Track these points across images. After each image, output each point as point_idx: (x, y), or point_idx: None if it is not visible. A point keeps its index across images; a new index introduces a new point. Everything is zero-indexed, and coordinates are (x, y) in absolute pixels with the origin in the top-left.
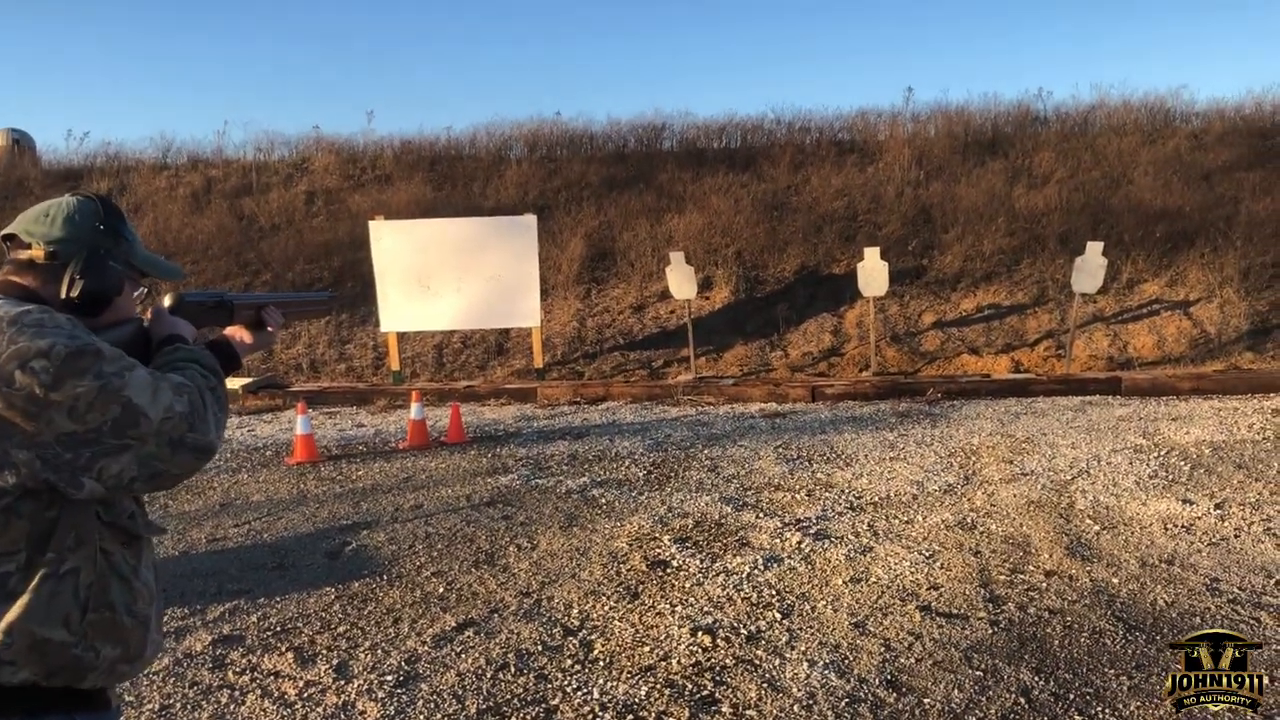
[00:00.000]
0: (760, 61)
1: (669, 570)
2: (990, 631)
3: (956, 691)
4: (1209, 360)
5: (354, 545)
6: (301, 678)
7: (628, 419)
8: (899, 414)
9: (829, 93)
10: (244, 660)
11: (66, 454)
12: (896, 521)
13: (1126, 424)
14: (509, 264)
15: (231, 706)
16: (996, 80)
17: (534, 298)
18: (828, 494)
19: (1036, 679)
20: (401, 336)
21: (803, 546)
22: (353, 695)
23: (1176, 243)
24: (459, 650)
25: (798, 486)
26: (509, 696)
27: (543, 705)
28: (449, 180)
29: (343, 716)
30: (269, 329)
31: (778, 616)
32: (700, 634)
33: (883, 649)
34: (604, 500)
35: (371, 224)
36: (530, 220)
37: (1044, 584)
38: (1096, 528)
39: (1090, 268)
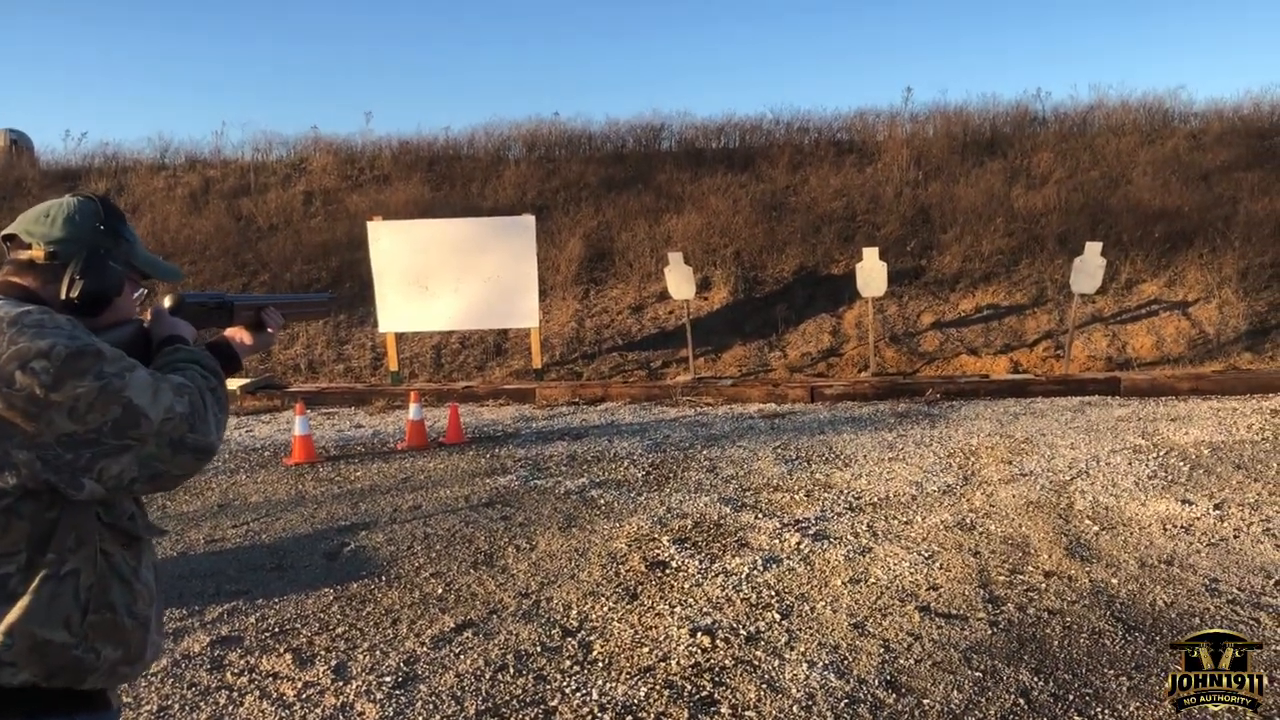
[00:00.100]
0: (759, 62)
1: (668, 571)
2: (989, 632)
3: (956, 692)
4: (1208, 361)
5: (352, 546)
6: (300, 679)
7: (626, 420)
8: (898, 414)
9: (827, 93)
10: (242, 661)
11: (67, 455)
12: (895, 522)
13: (1125, 424)
14: (507, 264)
15: (230, 708)
16: (995, 80)
17: (532, 298)
18: (827, 495)
19: (1036, 680)
20: (400, 337)
21: (802, 547)
22: (351, 696)
23: (1175, 243)
24: (458, 651)
25: (796, 487)
26: (508, 697)
27: (542, 706)
28: (447, 180)
29: (341, 717)
30: (269, 330)
31: (777, 617)
32: (699, 635)
33: (882, 650)
34: (603, 501)
35: (370, 224)
36: (528, 221)
37: (1043, 584)
38: (1096, 528)
39: (1089, 268)
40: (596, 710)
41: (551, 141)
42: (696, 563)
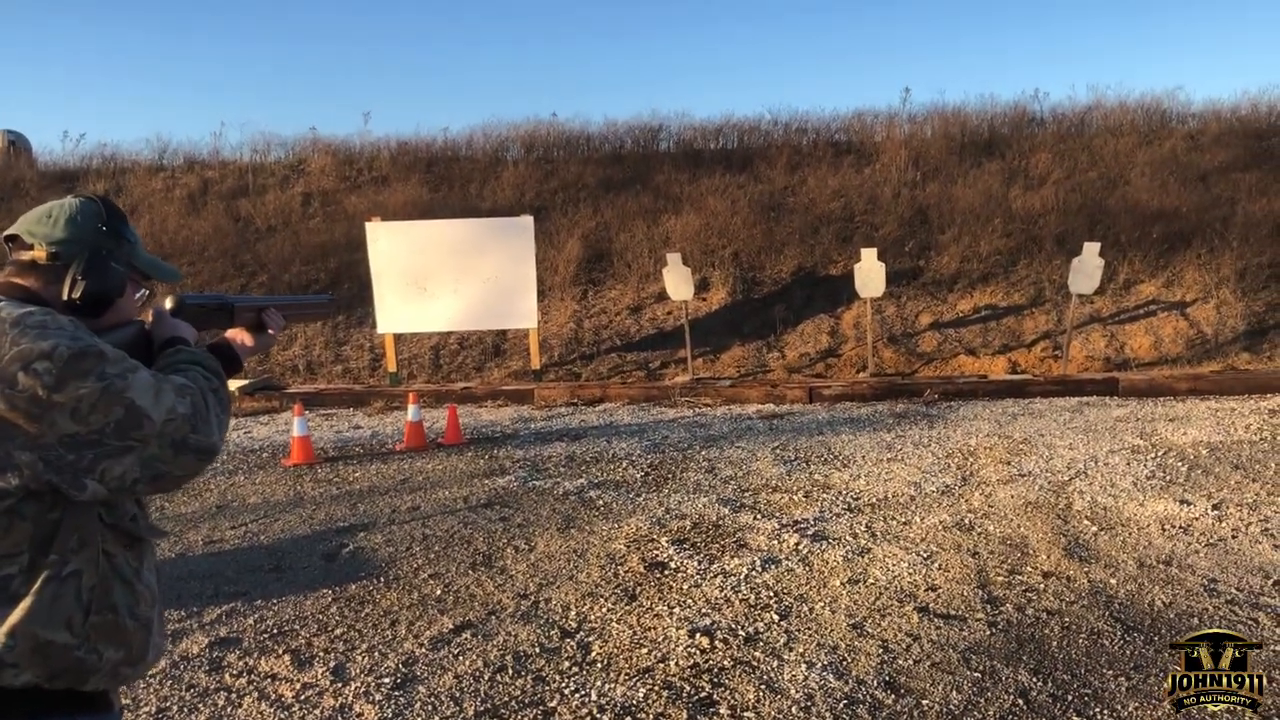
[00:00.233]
0: (757, 62)
1: (667, 572)
2: (988, 632)
3: (955, 693)
4: (1206, 361)
5: (351, 547)
6: (299, 680)
7: (625, 420)
8: (896, 415)
9: (826, 94)
10: (241, 663)
11: (69, 455)
12: (894, 523)
13: (1124, 425)
14: (506, 265)
15: (228, 709)
16: (993, 81)
17: (531, 299)
18: (825, 495)
19: (1035, 680)
20: (398, 338)
21: (800, 548)
22: (350, 698)
23: (1173, 243)
24: (456, 652)
25: (795, 488)
26: (507, 698)
27: (541, 707)
28: (445, 181)
29: (340, 719)
30: (270, 331)
31: (775, 618)
32: (698, 635)
33: (881, 650)
34: (601, 502)
35: (368, 225)
36: (527, 221)
37: (1042, 585)
38: (1094, 529)
39: (1087, 268)
40: (595, 711)
41: (550, 142)
42: (695, 563)
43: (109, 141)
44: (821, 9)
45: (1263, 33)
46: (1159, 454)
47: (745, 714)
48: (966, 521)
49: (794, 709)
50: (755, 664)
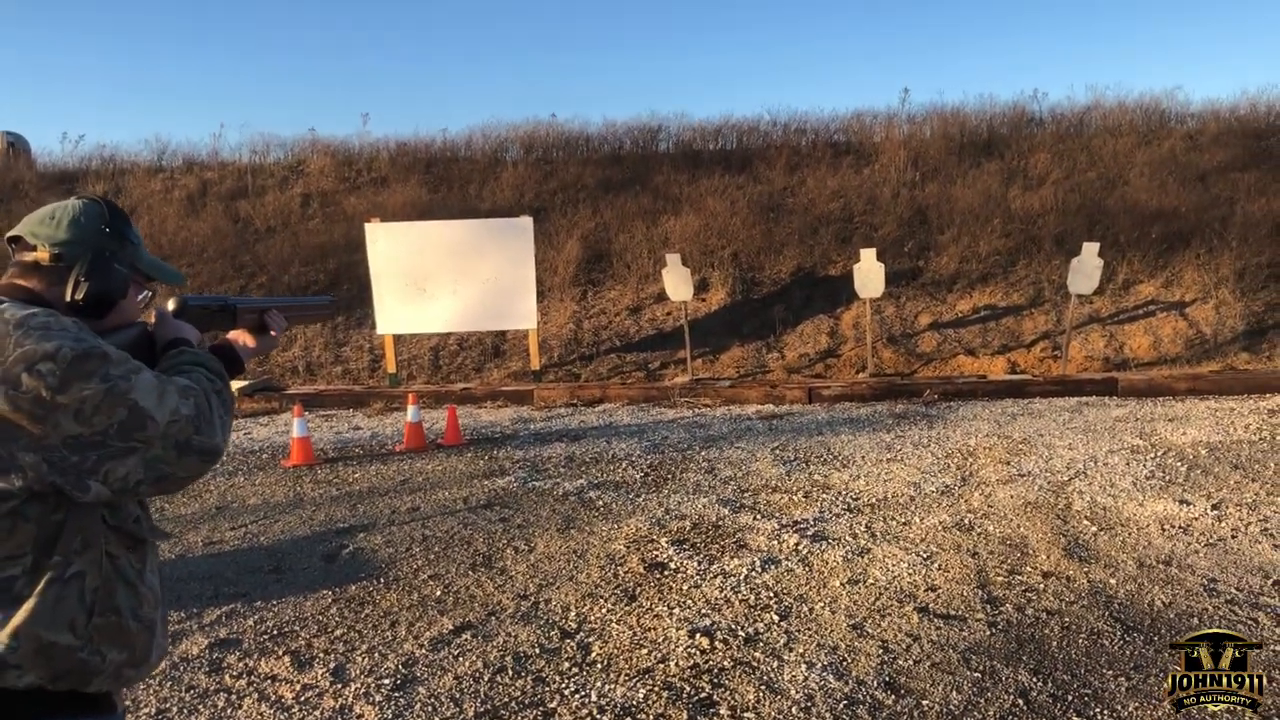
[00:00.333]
0: (756, 63)
1: (666, 572)
2: (988, 633)
3: (955, 693)
4: (1205, 361)
5: (351, 548)
6: (298, 681)
7: (625, 421)
8: (896, 415)
9: (824, 94)
10: (241, 664)
11: (73, 457)
12: (894, 523)
13: (1123, 425)
14: (505, 266)
15: (228, 710)
16: (992, 81)
17: (530, 300)
18: (825, 495)
19: (1035, 680)
20: (398, 339)
21: (800, 548)
22: (350, 699)
23: (1172, 243)
24: (456, 653)
25: (795, 488)
26: (507, 699)
27: (540, 708)
28: (445, 182)
29: None
30: (272, 333)
31: (775, 618)
32: (698, 636)
33: (881, 650)
34: (601, 502)
35: (367, 226)
36: (526, 222)
37: (1042, 585)
38: (1094, 529)
39: (1086, 269)
40: (595, 712)
41: (549, 143)
42: (695, 564)
43: (108, 143)
44: (819, 10)
45: (1262, 33)
46: (1158, 454)
47: (745, 714)
48: (966, 522)
49: (794, 709)
50: (755, 664)
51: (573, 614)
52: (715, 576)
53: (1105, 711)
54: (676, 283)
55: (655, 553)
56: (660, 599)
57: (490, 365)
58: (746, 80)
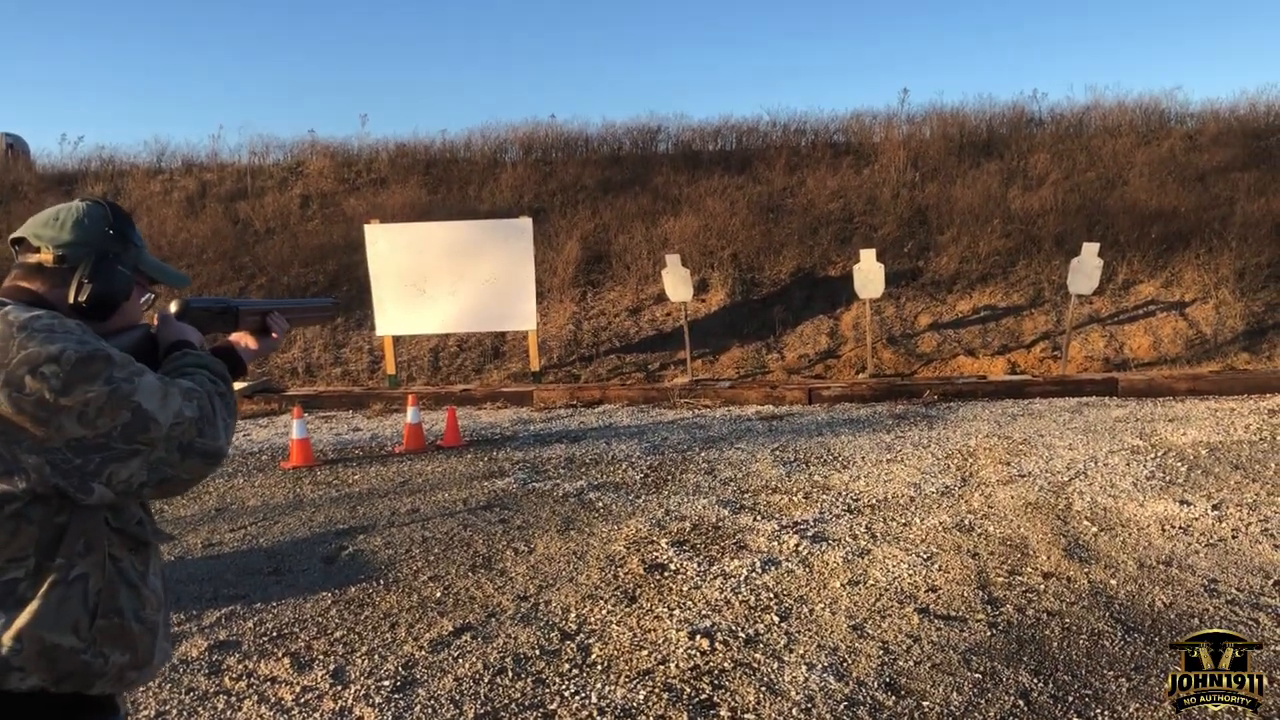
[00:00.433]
0: (755, 64)
1: (666, 573)
2: (989, 633)
3: (955, 694)
4: (1205, 361)
5: (350, 550)
6: (298, 683)
7: (624, 422)
8: (896, 416)
9: (824, 95)
10: (240, 666)
11: (76, 459)
12: (894, 524)
13: (1123, 425)
14: (504, 267)
15: (228, 713)
16: (991, 82)
17: (530, 301)
18: (825, 496)
19: (1035, 681)
20: (397, 340)
21: (800, 549)
22: (350, 701)
23: (1172, 244)
24: (456, 655)
25: (795, 489)
26: (507, 701)
27: (541, 710)
28: (444, 183)
29: None
30: (274, 335)
31: (776, 619)
32: (698, 637)
33: (881, 651)
34: (601, 503)
35: (366, 227)
36: (525, 223)
37: (1042, 586)
38: (1094, 529)
39: (1086, 269)
40: (595, 713)
41: (548, 144)
42: (695, 565)
43: (107, 144)
44: (818, 11)
45: (1261, 33)
46: (1159, 454)
47: (745, 716)
48: (966, 522)
49: (794, 710)
50: (755, 666)
51: (573, 615)
52: (715, 578)
53: (1106, 712)
54: (676, 283)
55: (655, 554)
56: (660, 600)
57: (490, 366)
58: (746, 81)
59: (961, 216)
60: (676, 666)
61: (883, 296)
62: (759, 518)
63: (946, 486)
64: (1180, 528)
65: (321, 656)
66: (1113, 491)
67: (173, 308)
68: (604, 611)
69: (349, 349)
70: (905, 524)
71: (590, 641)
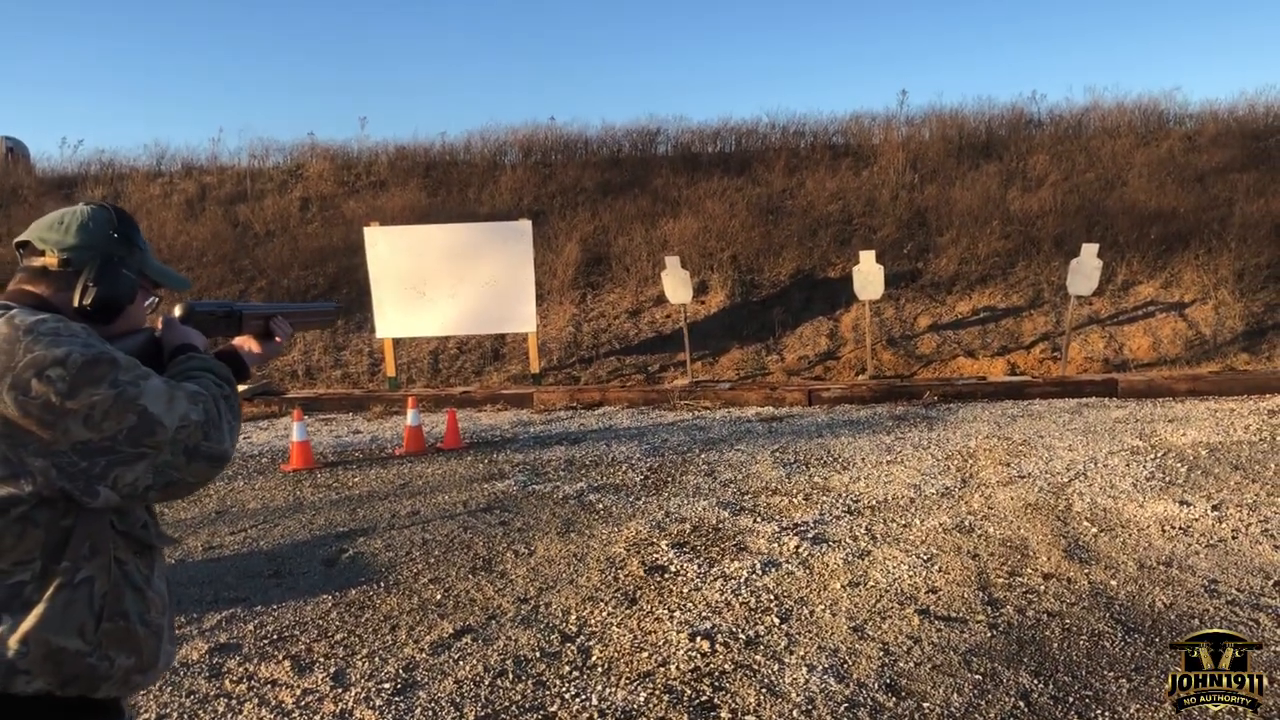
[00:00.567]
0: (754, 66)
1: (667, 575)
2: (989, 634)
3: (956, 695)
4: (1204, 362)
5: (351, 552)
6: (299, 686)
7: (624, 424)
8: (895, 417)
9: (823, 96)
10: (241, 669)
11: (82, 462)
12: (894, 525)
13: (1123, 426)
14: (504, 270)
15: (229, 715)
16: (990, 83)
17: (529, 303)
18: (825, 498)
19: (1036, 682)
20: (397, 342)
21: (800, 551)
22: (350, 703)
23: (1171, 244)
24: (457, 657)
25: (795, 490)
26: (507, 703)
27: (541, 712)
28: (444, 186)
29: None
30: (277, 339)
31: (776, 621)
32: (699, 639)
33: (881, 653)
34: (601, 505)
35: (366, 230)
36: (525, 226)
37: (1042, 586)
38: (1094, 530)
39: (1085, 270)
40: (596, 715)
41: (548, 146)
42: (695, 567)
43: (107, 148)
44: (817, 13)
45: (1260, 33)
46: (1158, 455)
47: (746, 717)
48: (966, 523)
49: (795, 712)
50: (756, 667)
51: (573, 617)
52: (715, 579)
53: (1107, 713)
54: (676, 285)
55: (655, 556)
56: (660, 602)
57: (490, 368)
58: (745, 83)
59: (961, 218)
60: (677, 668)
61: (882, 298)
62: (759, 519)
63: (946, 488)
64: (1180, 528)
65: (322, 659)
66: (1113, 492)
67: (177, 311)
68: (604, 613)
69: (349, 351)
70: (905, 525)
71: (591, 643)
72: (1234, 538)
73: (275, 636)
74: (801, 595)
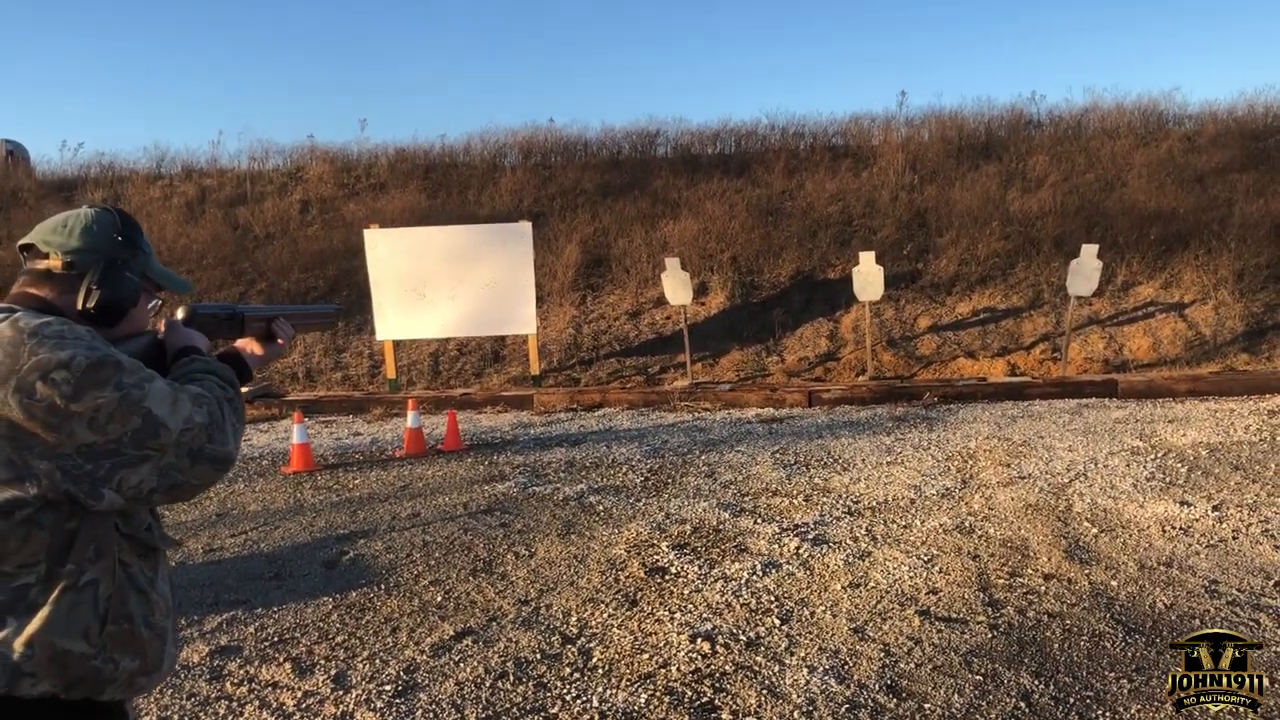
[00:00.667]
0: (753, 67)
1: (667, 577)
2: (990, 635)
3: (957, 696)
4: (1204, 362)
5: (351, 554)
6: (300, 688)
7: (624, 425)
8: (896, 418)
9: (823, 98)
10: (242, 671)
11: (87, 465)
12: (895, 526)
13: (1123, 426)
14: (504, 271)
15: (230, 718)
16: (989, 84)
17: (530, 305)
18: (825, 499)
19: (1036, 683)
20: (397, 344)
21: (801, 552)
22: (351, 706)
23: (1171, 245)
24: (457, 659)
25: (795, 492)
26: (508, 705)
27: (542, 714)
28: (444, 188)
29: None
30: (279, 341)
31: (777, 622)
32: (699, 641)
33: (882, 654)
34: (602, 507)
35: (366, 232)
36: (525, 227)
37: (1043, 587)
38: (1094, 530)
39: (1085, 270)
40: (597, 717)
41: (547, 148)
42: (696, 568)
43: (107, 150)
44: (816, 14)
45: (1260, 33)
46: (1159, 455)
47: (747, 719)
48: (967, 524)
49: (796, 713)
50: (757, 669)
51: (574, 619)
52: (716, 581)
53: (1107, 713)
54: (675, 287)
55: (656, 557)
56: (661, 604)
57: (490, 370)
58: (744, 84)
59: (960, 219)
60: (678, 670)
61: (882, 299)
62: (759, 520)
63: (947, 489)
64: (1181, 529)
65: (323, 661)
66: (1113, 493)
67: (179, 314)
68: (605, 615)
69: (349, 354)
70: (906, 526)
71: (591, 645)
72: (1234, 538)
73: (276, 639)
74: (802, 596)
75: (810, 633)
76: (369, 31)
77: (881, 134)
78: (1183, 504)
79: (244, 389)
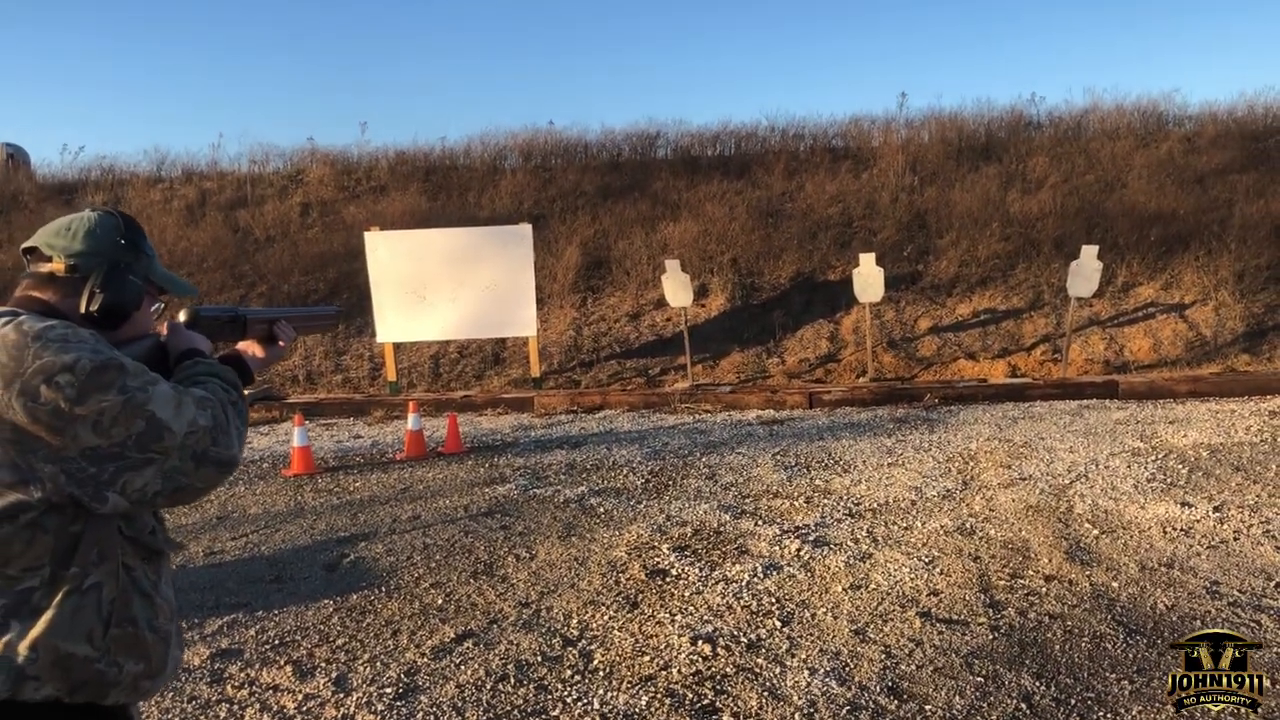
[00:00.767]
0: (753, 69)
1: (668, 579)
2: (991, 637)
3: (958, 698)
4: (1205, 363)
5: (352, 557)
6: (300, 691)
7: (625, 427)
8: (896, 420)
9: (823, 99)
10: (242, 674)
11: (91, 468)
12: (895, 528)
13: (1124, 427)
14: (505, 274)
15: None
16: (989, 85)
17: (530, 307)
18: (826, 501)
19: (1038, 684)
20: (398, 347)
21: (802, 554)
22: (352, 708)
23: (1171, 246)
24: (458, 662)
25: (796, 494)
26: (509, 708)
27: (543, 716)
28: (444, 191)
29: None
30: (280, 343)
31: (778, 624)
32: (700, 643)
33: (883, 656)
34: (602, 509)
35: (366, 235)
36: (525, 230)
37: (1044, 589)
38: (1095, 532)
39: (1085, 271)
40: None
41: (547, 151)
42: (697, 570)
43: (107, 154)
44: (816, 16)
45: (1260, 34)
46: (1159, 456)
47: None
48: (968, 526)
49: (797, 715)
50: (758, 671)
51: (574, 621)
52: (717, 583)
53: (1109, 715)
54: (676, 289)
55: (657, 559)
56: (662, 606)
57: (490, 372)
58: (744, 86)
59: (960, 220)
60: (679, 672)
61: (882, 300)
62: (760, 522)
63: (947, 490)
64: (1182, 530)
65: (323, 664)
66: (1114, 494)
67: (182, 316)
68: (606, 617)
69: (350, 356)
70: (906, 528)
71: (592, 648)
72: (1235, 539)
73: (277, 641)
74: (803, 598)
75: (811, 634)
76: (369, 30)
77: (881, 135)
78: (1184, 505)
79: (245, 391)
